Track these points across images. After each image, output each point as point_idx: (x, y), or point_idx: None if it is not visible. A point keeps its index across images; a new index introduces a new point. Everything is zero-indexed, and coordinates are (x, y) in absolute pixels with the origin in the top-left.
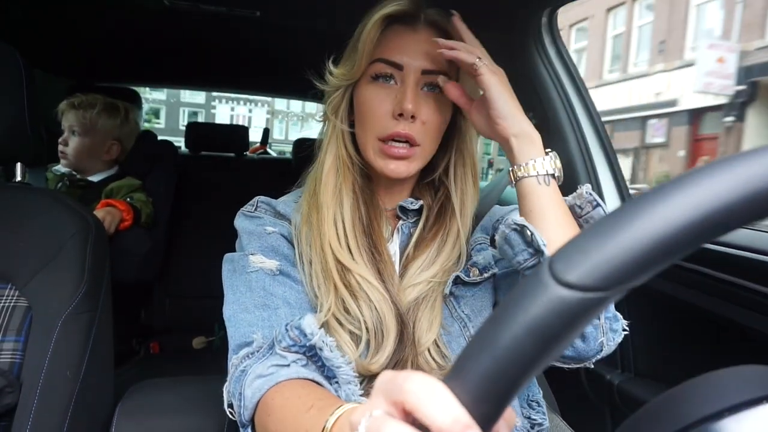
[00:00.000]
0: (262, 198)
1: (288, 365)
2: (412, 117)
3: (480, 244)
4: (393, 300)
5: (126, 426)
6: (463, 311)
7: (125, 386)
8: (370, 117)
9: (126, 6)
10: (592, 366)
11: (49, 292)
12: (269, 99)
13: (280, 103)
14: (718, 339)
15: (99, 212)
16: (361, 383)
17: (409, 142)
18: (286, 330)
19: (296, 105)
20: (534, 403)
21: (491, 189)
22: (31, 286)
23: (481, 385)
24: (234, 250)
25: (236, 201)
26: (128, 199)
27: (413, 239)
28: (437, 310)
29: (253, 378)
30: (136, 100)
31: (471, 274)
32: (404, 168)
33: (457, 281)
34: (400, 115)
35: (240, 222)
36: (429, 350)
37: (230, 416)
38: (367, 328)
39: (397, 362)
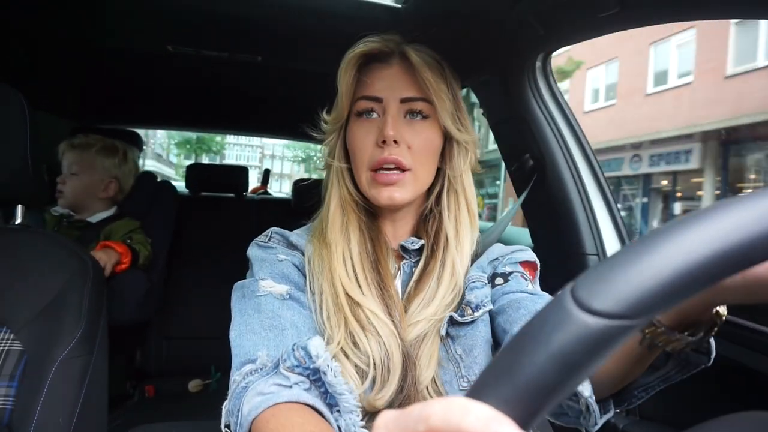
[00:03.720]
0: (276, 229)
1: (290, 386)
2: (395, 142)
3: (474, 282)
4: (400, 336)
5: None
6: (456, 351)
7: (119, 431)
8: (359, 150)
9: (130, 51)
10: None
11: (45, 336)
12: (261, 144)
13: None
14: (726, 381)
15: (96, 253)
16: (363, 418)
17: (398, 167)
18: (293, 350)
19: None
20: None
21: (494, 228)
22: (26, 330)
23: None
24: (233, 286)
25: (236, 242)
26: (127, 241)
27: (414, 277)
28: (435, 346)
29: (254, 395)
30: (137, 141)
31: (465, 314)
32: (397, 194)
33: (452, 321)
34: (384, 142)
35: (252, 251)
36: (428, 388)
37: (225, 430)
38: (374, 363)
39: (400, 401)
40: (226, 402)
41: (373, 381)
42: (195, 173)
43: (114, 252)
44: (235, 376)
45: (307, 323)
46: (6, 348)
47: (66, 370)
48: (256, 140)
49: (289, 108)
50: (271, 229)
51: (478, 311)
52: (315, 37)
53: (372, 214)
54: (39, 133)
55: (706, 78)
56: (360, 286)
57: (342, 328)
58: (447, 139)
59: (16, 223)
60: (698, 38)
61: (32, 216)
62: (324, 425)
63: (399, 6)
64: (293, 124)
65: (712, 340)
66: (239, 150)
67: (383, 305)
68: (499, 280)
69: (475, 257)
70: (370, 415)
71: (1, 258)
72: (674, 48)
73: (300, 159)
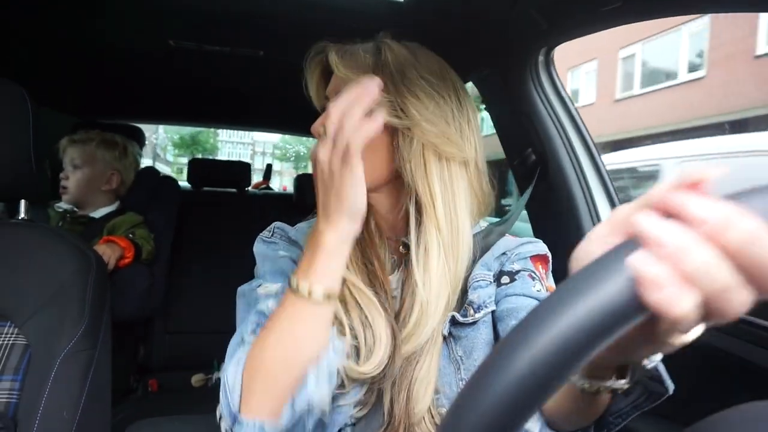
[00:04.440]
0: (278, 224)
1: None
2: (319, 136)
3: (478, 281)
4: (384, 306)
5: None
6: (457, 353)
7: (123, 425)
8: None
9: (132, 46)
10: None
11: (49, 330)
12: (252, 141)
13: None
14: (732, 377)
15: (99, 248)
16: (346, 386)
17: None
18: (256, 313)
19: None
20: None
21: (500, 224)
22: (30, 324)
23: None
24: (237, 283)
25: (237, 237)
26: (130, 235)
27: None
28: (432, 372)
29: (232, 367)
30: (139, 136)
31: (467, 314)
32: None
33: (454, 321)
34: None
35: (257, 247)
36: (424, 420)
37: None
38: (355, 334)
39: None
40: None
41: (357, 352)
42: (197, 168)
43: (117, 247)
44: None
45: None
46: (10, 342)
47: (70, 364)
48: (247, 137)
49: (290, 103)
50: (274, 224)
51: (479, 312)
52: (317, 31)
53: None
54: (42, 129)
55: (602, 101)
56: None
57: None
58: (396, 134)
59: (20, 218)
60: (599, 68)
61: (36, 212)
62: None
63: (401, 1)
64: (295, 119)
65: (662, 371)
66: (231, 147)
67: (365, 278)
68: (505, 279)
69: (481, 253)
70: (356, 384)
71: (5, 253)
72: (584, 74)
73: (287, 157)
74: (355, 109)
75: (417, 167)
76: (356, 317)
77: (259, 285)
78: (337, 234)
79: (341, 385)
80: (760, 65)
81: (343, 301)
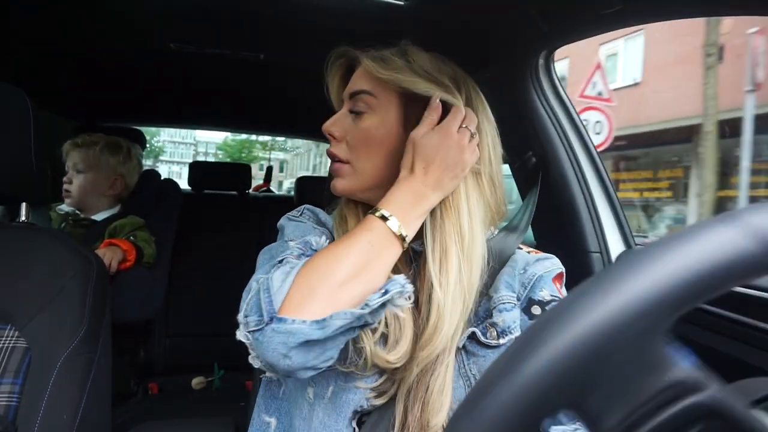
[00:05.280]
0: (308, 206)
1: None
2: (333, 136)
3: (504, 303)
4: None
5: None
6: (471, 370)
7: (123, 428)
8: None
9: (132, 49)
10: None
11: (49, 333)
12: (194, 141)
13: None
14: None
15: (101, 251)
16: (377, 376)
17: (339, 159)
18: (288, 245)
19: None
20: None
21: (515, 228)
22: (31, 327)
23: None
24: (237, 286)
25: (238, 239)
26: (131, 238)
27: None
28: (447, 386)
29: (277, 275)
30: (140, 139)
31: (488, 335)
32: (338, 184)
33: (474, 337)
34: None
35: (282, 222)
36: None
37: (244, 339)
38: (385, 321)
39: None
40: (240, 313)
41: (385, 339)
42: (198, 171)
43: (119, 250)
44: (246, 292)
45: None
46: (11, 345)
47: (70, 367)
48: (189, 138)
49: (291, 105)
50: (304, 205)
51: (503, 338)
52: (317, 34)
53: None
54: (43, 132)
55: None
56: None
57: None
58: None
59: (21, 221)
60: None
61: (38, 214)
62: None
63: (402, 3)
64: (295, 122)
65: None
66: (173, 147)
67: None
68: (536, 309)
69: (499, 265)
70: (382, 372)
71: (5, 255)
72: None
73: (230, 158)
74: None
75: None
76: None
77: (290, 240)
78: (442, 192)
79: (363, 367)
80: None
81: None
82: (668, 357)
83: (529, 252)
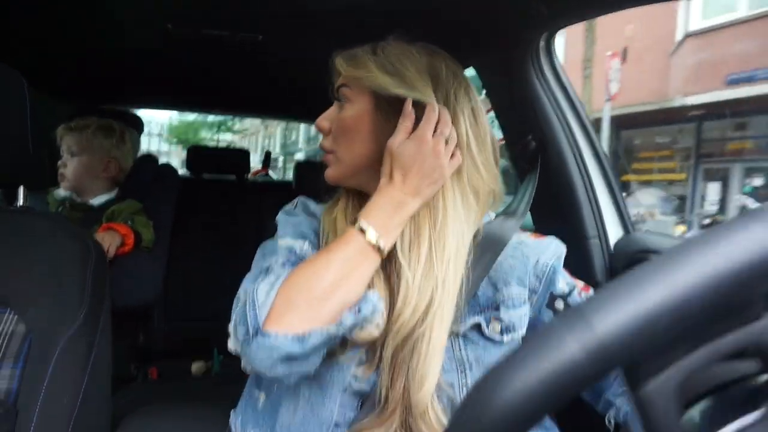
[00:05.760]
0: (301, 198)
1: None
2: (322, 130)
3: (514, 299)
4: (380, 274)
5: None
6: (467, 356)
7: (123, 413)
8: None
9: (129, 30)
10: None
11: (49, 317)
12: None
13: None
14: None
15: (99, 235)
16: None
17: (327, 150)
18: (277, 250)
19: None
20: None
21: (512, 213)
22: (30, 311)
23: None
24: (236, 271)
25: (237, 224)
26: (129, 222)
27: None
28: (436, 356)
29: (263, 286)
30: (137, 123)
31: (491, 328)
32: (327, 172)
33: (476, 328)
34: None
35: (280, 216)
36: (427, 413)
37: (234, 349)
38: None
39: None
40: (230, 323)
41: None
42: (196, 156)
43: (117, 234)
44: (238, 294)
45: None
46: (10, 329)
47: (70, 351)
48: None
49: (290, 88)
50: (299, 197)
51: (506, 335)
52: (316, 17)
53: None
54: (39, 115)
55: None
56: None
57: None
58: (384, 115)
59: (18, 205)
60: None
61: (36, 199)
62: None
63: None
64: (293, 106)
65: None
66: None
67: None
68: (559, 304)
69: (498, 250)
70: (362, 348)
71: (3, 240)
72: None
73: (176, 141)
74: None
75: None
76: None
77: (282, 238)
78: (422, 198)
79: (341, 345)
80: None
81: None
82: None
83: (528, 236)
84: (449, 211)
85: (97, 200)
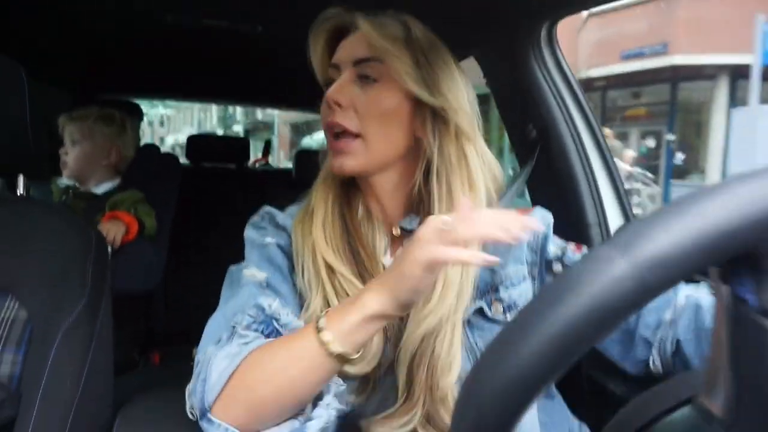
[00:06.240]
0: (267, 208)
1: (251, 342)
2: (338, 104)
3: (512, 278)
4: None
5: None
6: (476, 342)
7: (125, 398)
8: (322, 120)
9: (129, 20)
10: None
11: (50, 304)
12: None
13: None
14: None
15: (105, 225)
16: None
17: (347, 132)
18: (244, 310)
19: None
20: None
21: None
22: (31, 298)
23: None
24: (236, 260)
25: (237, 212)
26: (132, 211)
27: None
28: (456, 346)
29: (220, 360)
30: (137, 112)
31: (493, 310)
32: (347, 162)
33: (479, 312)
34: (329, 106)
35: (247, 232)
36: (448, 398)
37: (190, 416)
38: None
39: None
40: (189, 384)
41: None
42: (196, 144)
43: (121, 223)
44: (198, 357)
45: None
46: (12, 315)
47: (71, 338)
48: None
49: (289, 78)
50: (264, 208)
51: (509, 312)
52: (316, 6)
53: (351, 189)
54: (39, 104)
55: None
56: (333, 250)
57: (319, 294)
58: (418, 106)
59: (19, 194)
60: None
61: (39, 188)
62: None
63: None
64: (294, 95)
65: None
66: None
67: (353, 269)
68: (557, 267)
69: None
70: (349, 380)
71: (5, 227)
72: None
73: None
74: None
75: (452, 145)
76: None
77: (246, 267)
78: (391, 306)
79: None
80: None
81: (337, 294)
82: None
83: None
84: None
85: (99, 189)
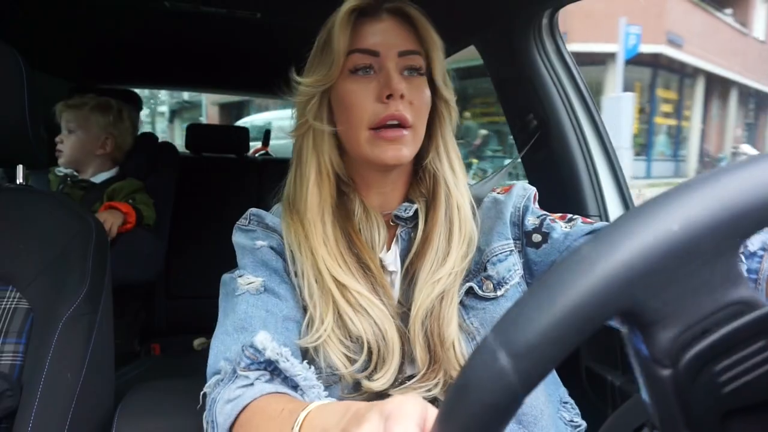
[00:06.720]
0: (253, 210)
1: (252, 384)
2: (402, 96)
3: (496, 254)
4: (392, 314)
5: (126, 428)
6: (472, 323)
7: (126, 388)
8: (357, 109)
9: (127, 7)
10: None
11: (51, 295)
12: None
13: None
14: None
15: (102, 214)
16: (358, 395)
17: (402, 124)
18: (243, 350)
19: None
20: (568, 405)
21: (486, 182)
22: (32, 288)
23: None
24: (234, 253)
25: (237, 202)
26: (130, 201)
27: (417, 239)
28: (455, 306)
29: (223, 404)
30: (136, 101)
31: (484, 288)
32: (404, 151)
33: (470, 292)
34: (389, 97)
35: (236, 237)
36: (454, 347)
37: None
38: (368, 344)
39: (400, 381)
40: (205, 413)
41: (368, 362)
42: (196, 134)
43: (119, 213)
44: (206, 389)
45: (283, 312)
46: (13, 306)
47: (72, 328)
48: None
49: (289, 67)
50: (250, 211)
51: (500, 289)
52: None
53: (344, 189)
54: (37, 93)
55: None
56: (341, 266)
57: (330, 310)
58: (436, 94)
59: (18, 183)
60: None
61: (37, 177)
62: (298, 402)
63: None
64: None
65: None
66: None
67: (368, 285)
68: (536, 237)
69: (476, 204)
70: (368, 394)
71: (5, 217)
72: None
73: None
74: None
75: (450, 135)
76: (368, 328)
77: (241, 276)
78: None
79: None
80: None
81: (354, 309)
82: (739, 274)
83: (499, 192)
84: (461, 186)
85: (97, 178)
